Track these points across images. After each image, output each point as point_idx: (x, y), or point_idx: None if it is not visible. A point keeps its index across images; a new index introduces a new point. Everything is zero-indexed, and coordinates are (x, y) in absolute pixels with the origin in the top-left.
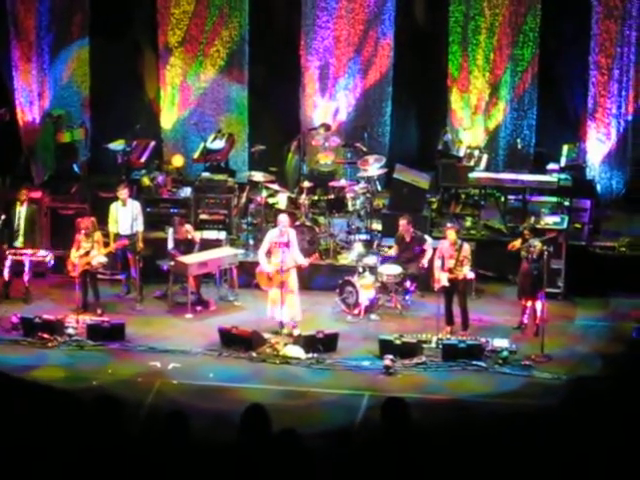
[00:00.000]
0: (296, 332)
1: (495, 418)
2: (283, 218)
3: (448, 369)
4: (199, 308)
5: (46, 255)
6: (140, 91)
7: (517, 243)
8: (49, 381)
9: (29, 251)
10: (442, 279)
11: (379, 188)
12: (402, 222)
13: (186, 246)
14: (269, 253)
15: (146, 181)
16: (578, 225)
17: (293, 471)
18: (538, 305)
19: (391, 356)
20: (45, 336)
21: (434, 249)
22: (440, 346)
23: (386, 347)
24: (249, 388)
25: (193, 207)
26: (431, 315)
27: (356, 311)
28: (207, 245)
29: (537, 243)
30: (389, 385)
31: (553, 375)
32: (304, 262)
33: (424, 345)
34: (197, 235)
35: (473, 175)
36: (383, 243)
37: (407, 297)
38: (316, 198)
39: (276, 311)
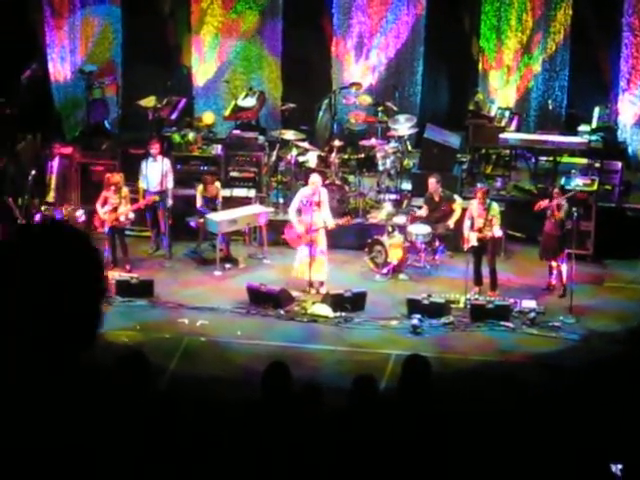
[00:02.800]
0: (323, 290)
1: (521, 379)
2: (315, 178)
3: (476, 329)
4: (228, 266)
5: (77, 210)
6: (172, 48)
7: (544, 203)
8: None
9: (62, 206)
10: (471, 239)
11: (409, 147)
12: (431, 181)
13: (214, 204)
14: (299, 211)
15: (176, 138)
16: (608, 187)
17: (315, 427)
18: (564, 266)
19: (419, 316)
20: None
21: (463, 209)
22: (468, 306)
23: (414, 307)
24: (275, 345)
25: (223, 165)
26: (460, 275)
27: (384, 270)
28: (237, 203)
29: (564, 203)
30: (417, 345)
31: (580, 336)
32: (331, 224)
33: (452, 305)
34: (220, 193)
35: (504, 136)
36: (413, 203)
37: (436, 257)
38: (346, 157)
39: (304, 270)
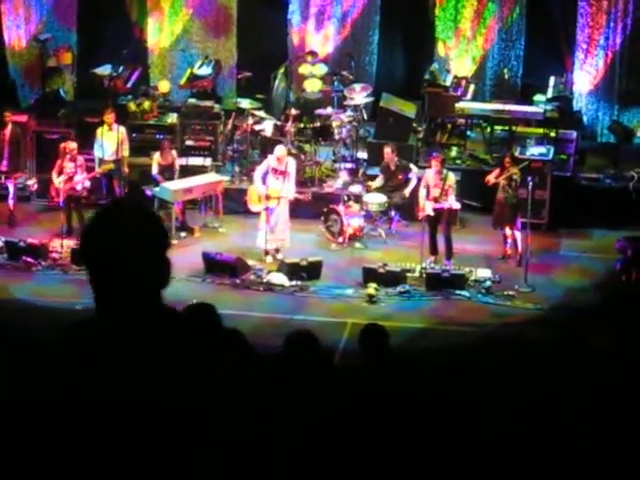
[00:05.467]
0: (279, 256)
1: (476, 346)
2: (281, 149)
3: (431, 298)
4: (183, 234)
5: (29, 179)
6: (128, 16)
7: (492, 177)
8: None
9: (14, 175)
10: (427, 208)
11: (365, 117)
12: (386, 151)
13: (170, 172)
14: (263, 179)
15: (132, 106)
16: (564, 156)
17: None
18: (518, 234)
19: (374, 284)
20: (29, 260)
21: (419, 178)
22: (424, 275)
23: (370, 276)
24: (231, 315)
25: (179, 133)
26: (415, 244)
27: (340, 239)
28: (193, 171)
29: (515, 170)
30: (372, 313)
31: (536, 305)
32: (289, 195)
33: (408, 274)
34: (177, 161)
35: (459, 105)
36: (368, 172)
37: (392, 226)
38: (302, 126)
39: (263, 236)
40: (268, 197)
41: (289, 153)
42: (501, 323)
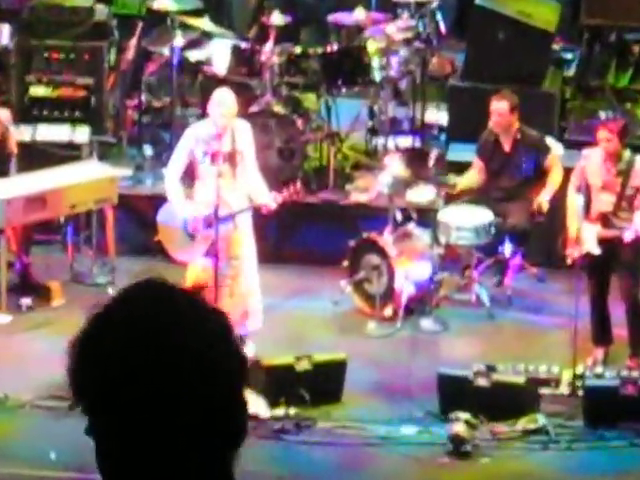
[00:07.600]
0: (250, 351)
1: None
2: (220, 98)
3: (595, 444)
4: (26, 302)
5: None
6: None
7: None
8: None
9: None
10: (586, 239)
11: (443, 28)
12: (497, 107)
13: None
14: (189, 176)
15: None
16: None
17: None
18: None
19: (466, 415)
20: None
21: (567, 169)
22: (579, 392)
23: (455, 393)
24: None
25: (14, 70)
26: (559, 321)
27: (387, 310)
28: (46, 157)
29: None
30: None
31: None
32: (269, 201)
33: (544, 390)
34: (15, 135)
35: None
36: (450, 156)
37: (504, 279)
38: (299, 52)
39: None
40: (209, 222)
41: (270, 112)
42: None
